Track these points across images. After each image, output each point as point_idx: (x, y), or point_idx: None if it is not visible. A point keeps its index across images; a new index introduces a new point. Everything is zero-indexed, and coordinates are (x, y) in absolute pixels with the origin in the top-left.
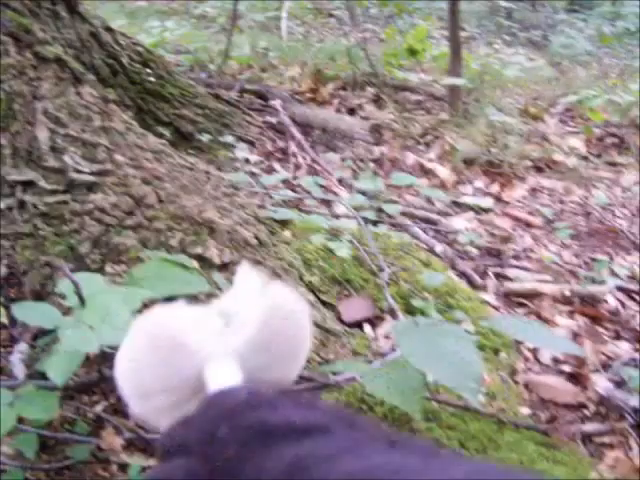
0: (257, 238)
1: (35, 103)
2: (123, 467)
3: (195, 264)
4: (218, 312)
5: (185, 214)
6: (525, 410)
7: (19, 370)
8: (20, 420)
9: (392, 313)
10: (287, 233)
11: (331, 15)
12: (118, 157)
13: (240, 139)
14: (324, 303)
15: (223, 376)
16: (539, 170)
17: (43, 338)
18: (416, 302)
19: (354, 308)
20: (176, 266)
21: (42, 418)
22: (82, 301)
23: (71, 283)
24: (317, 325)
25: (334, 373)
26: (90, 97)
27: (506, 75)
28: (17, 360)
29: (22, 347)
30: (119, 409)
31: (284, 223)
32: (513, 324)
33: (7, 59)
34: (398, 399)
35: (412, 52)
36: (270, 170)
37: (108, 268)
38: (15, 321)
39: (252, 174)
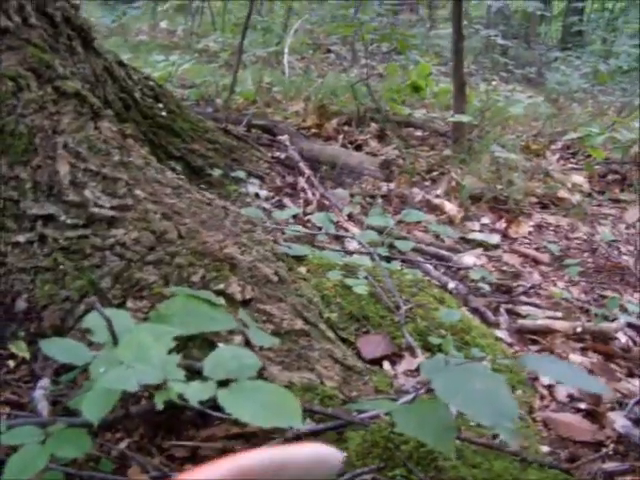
0: (277, 274)
1: (55, 137)
2: None
3: (222, 301)
4: None
5: (206, 250)
6: (544, 448)
7: (43, 406)
8: None
9: (411, 350)
10: (302, 269)
11: (329, 51)
12: (138, 192)
13: (250, 174)
14: (343, 340)
15: None
16: (544, 207)
17: (67, 374)
18: (433, 339)
19: (373, 345)
20: (202, 303)
21: (75, 456)
22: (114, 338)
23: (99, 318)
24: (339, 362)
25: (359, 411)
26: (109, 132)
27: (512, 112)
28: (40, 396)
29: (44, 383)
30: (143, 446)
31: (299, 259)
32: (540, 362)
33: (29, 94)
34: (431, 438)
35: (416, 89)
36: (280, 205)
37: (130, 304)
38: (36, 357)
39: (263, 209)
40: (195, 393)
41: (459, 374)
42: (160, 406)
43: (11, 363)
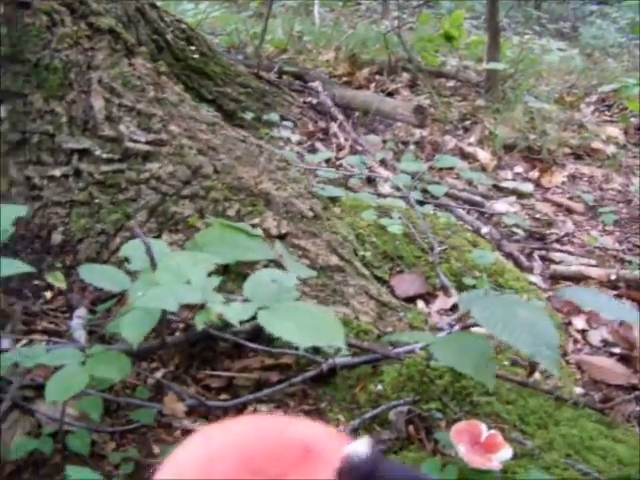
0: (312, 210)
1: (90, 73)
2: (186, 432)
3: (259, 231)
4: None
5: (241, 185)
6: (578, 390)
7: (80, 335)
8: None
9: (445, 290)
10: (336, 210)
11: (359, 3)
12: (173, 127)
13: (282, 118)
14: (377, 278)
15: None
16: (578, 157)
17: (103, 304)
18: (467, 280)
19: (407, 284)
20: (239, 233)
21: (115, 377)
22: (153, 262)
23: (137, 247)
24: (374, 298)
25: (395, 346)
26: (143, 69)
27: (546, 62)
28: (77, 325)
29: (81, 312)
30: (179, 376)
31: (332, 200)
32: (582, 294)
33: (63, 29)
34: (470, 369)
35: (448, 38)
36: (312, 150)
37: (165, 237)
38: (72, 288)
39: (296, 153)
40: (235, 313)
41: (500, 304)
42: (200, 326)
43: (48, 294)
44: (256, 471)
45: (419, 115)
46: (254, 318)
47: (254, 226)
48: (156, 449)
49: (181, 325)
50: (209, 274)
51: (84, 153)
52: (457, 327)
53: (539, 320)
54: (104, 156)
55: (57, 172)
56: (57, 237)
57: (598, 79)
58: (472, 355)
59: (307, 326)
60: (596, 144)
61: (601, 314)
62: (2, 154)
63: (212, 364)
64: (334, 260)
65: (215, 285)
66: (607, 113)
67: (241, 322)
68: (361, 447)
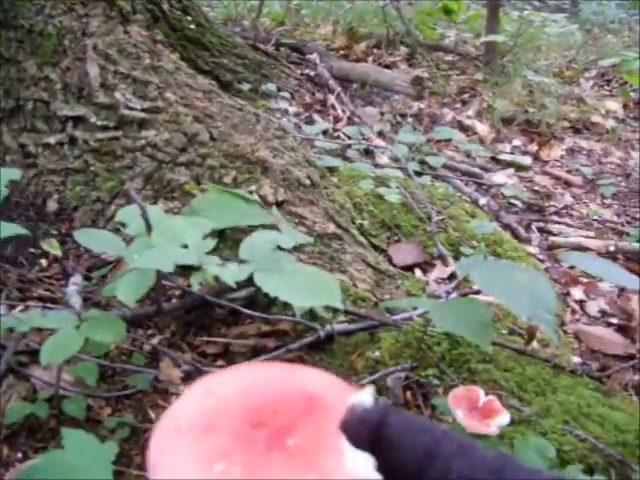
0: (310, 178)
1: (85, 39)
2: None
3: (256, 197)
4: None
5: (238, 152)
6: (576, 359)
7: (75, 301)
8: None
9: (442, 259)
10: (334, 179)
11: None
12: (169, 95)
13: (279, 90)
14: (375, 247)
15: None
16: (577, 131)
17: (98, 270)
18: (465, 249)
19: (405, 253)
20: (236, 198)
21: (110, 341)
22: (149, 226)
23: (132, 212)
24: (371, 266)
25: (392, 312)
26: (139, 36)
27: (546, 33)
28: (73, 291)
29: (77, 279)
30: (175, 343)
31: (330, 170)
32: (582, 259)
33: None
34: (468, 331)
35: (447, 11)
36: (310, 121)
37: (161, 204)
38: (67, 256)
39: (293, 124)
40: (232, 274)
41: (499, 268)
42: (196, 287)
43: (43, 262)
44: (260, 423)
45: (417, 86)
46: (250, 285)
47: (251, 193)
48: (152, 414)
49: (177, 292)
50: (205, 237)
51: (79, 120)
52: (454, 295)
53: (538, 284)
54: (99, 123)
55: (52, 140)
56: (52, 205)
57: (598, 54)
58: (471, 319)
59: (304, 286)
60: (595, 118)
61: (604, 279)
62: None
63: (208, 331)
64: (331, 228)
65: (211, 247)
66: (606, 87)
67: (237, 288)
68: (366, 397)
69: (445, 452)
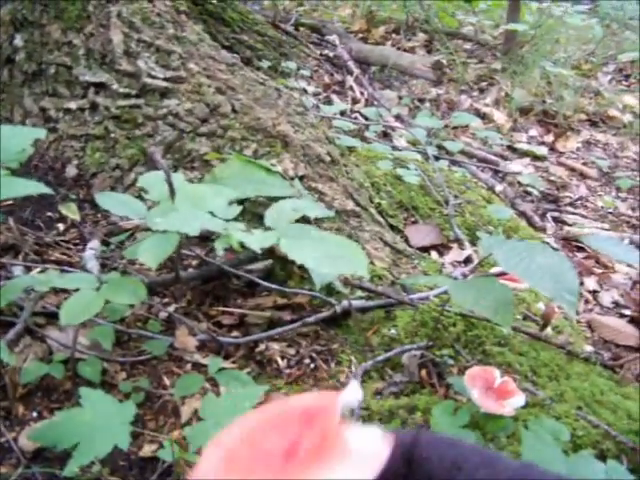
0: (330, 155)
1: (109, 6)
2: (197, 366)
3: (279, 168)
4: None
5: (260, 125)
6: (588, 348)
7: (93, 265)
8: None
9: (459, 242)
10: (352, 159)
11: None
12: (192, 66)
13: (299, 69)
14: (392, 227)
15: None
16: (593, 124)
17: (117, 236)
18: (482, 234)
19: (422, 234)
20: (259, 168)
21: (130, 302)
22: (172, 191)
23: (155, 178)
24: (388, 245)
25: (407, 291)
26: (162, 6)
27: (567, 24)
28: (90, 256)
29: (94, 244)
30: (190, 312)
31: (348, 150)
32: (604, 242)
33: None
34: (488, 311)
35: None
36: (328, 102)
37: (181, 174)
38: (85, 221)
39: (312, 103)
40: (257, 240)
41: (522, 248)
42: (220, 252)
43: (61, 226)
44: (271, 452)
45: (437, 71)
46: (269, 257)
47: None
48: (166, 381)
49: (194, 262)
50: (229, 204)
51: (101, 87)
52: (471, 277)
53: (560, 265)
54: (121, 91)
55: (73, 105)
56: (71, 170)
57: (616, 49)
58: (491, 299)
59: (330, 254)
60: (612, 112)
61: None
62: (17, 84)
63: (224, 301)
64: (350, 205)
65: (236, 214)
66: (624, 82)
67: (255, 260)
68: (352, 393)
69: (471, 464)
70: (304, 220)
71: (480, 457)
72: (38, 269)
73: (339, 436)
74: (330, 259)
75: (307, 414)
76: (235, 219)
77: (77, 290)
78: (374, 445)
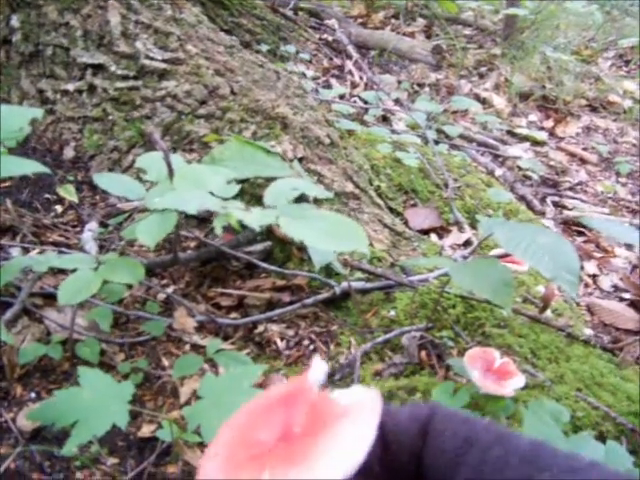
0: (329, 137)
1: None
2: (196, 347)
3: (278, 150)
4: None
5: (258, 107)
6: (588, 331)
7: (91, 247)
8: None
9: (458, 225)
10: (352, 142)
11: None
12: (190, 47)
13: (298, 53)
14: (391, 210)
15: None
16: (593, 109)
17: (115, 217)
18: (481, 217)
19: (421, 217)
20: (258, 149)
21: (128, 282)
22: (171, 171)
23: (153, 158)
24: (388, 227)
25: (405, 273)
26: None
27: (568, 9)
28: (88, 237)
29: (92, 226)
30: (189, 294)
31: (348, 134)
32: (604, 223)
33: None
34: (488, 291)
35: None
36: (327, 86)
37: (179, 155)
38: (83, 203)
39: (311, 87)
40: (256, 219)
41: (522, 229)
42: (219, 231)
43: (58, 208)
44: (260, 443)
45: (437, 55)
46: (267, 239)
47: None
48: (165, 362)
49: (192, 244)
50: (228, 183)
51: (99, 68)
52: (471, 259)
53: (560, 245)
54: (119, 72)
55: (70, 86)
56: (69, 152)
57: (617, 35)
58: (491, 279)
59: (330, 232)
60: (612, 97)
61: (623, 241)
62: (14, 65)
63: (223, 283)
64: (349, 187)
65: (234, 193)
66: (625, 68)
67: (254, 241)
68: (319, 369)
69: (483, 440)
70: (303, 201)
71: (493, 435)
72: (36, 250)
73: (326, 400)
74: (329, 236)
75: (285, 398)
76: (234, 199)
77: (75, 270)
78: (363, 395)
